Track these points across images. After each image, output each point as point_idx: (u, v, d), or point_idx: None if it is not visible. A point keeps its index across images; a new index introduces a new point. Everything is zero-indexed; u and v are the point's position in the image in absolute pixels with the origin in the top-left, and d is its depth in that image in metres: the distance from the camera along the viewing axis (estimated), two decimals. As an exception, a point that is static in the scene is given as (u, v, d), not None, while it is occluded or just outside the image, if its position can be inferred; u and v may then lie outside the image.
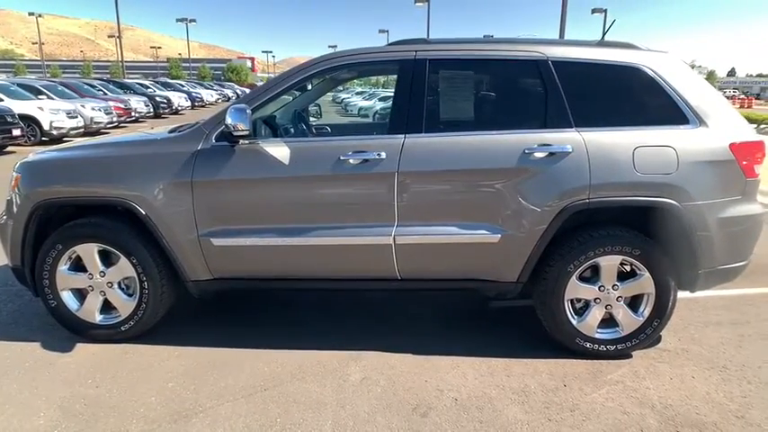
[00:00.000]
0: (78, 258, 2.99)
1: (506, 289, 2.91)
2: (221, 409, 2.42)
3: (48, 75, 58.67)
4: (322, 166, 2.77)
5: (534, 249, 2.76)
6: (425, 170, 2.74)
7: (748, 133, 2.82)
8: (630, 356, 2.93)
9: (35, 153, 3.21)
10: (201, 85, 38.47)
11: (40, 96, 13.92)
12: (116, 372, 2.75)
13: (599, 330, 2.91)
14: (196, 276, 2.95)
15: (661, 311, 2.84)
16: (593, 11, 31.67)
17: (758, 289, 3.80)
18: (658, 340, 3.07)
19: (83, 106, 14.54)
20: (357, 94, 38.23)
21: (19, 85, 14.07)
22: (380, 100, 24.85)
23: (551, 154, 2.70)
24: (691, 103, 2.77)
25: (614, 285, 2.84)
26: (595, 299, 2.86)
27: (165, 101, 23.26)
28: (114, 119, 16.25)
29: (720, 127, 2.77)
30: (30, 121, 12.31)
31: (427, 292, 3.60)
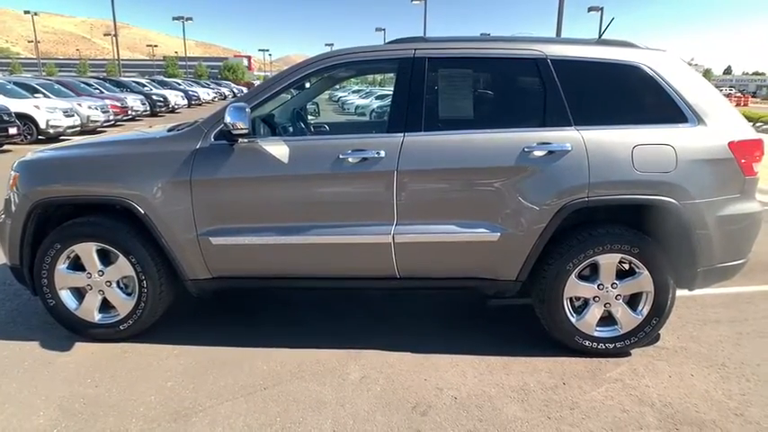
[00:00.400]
0: (77, 257, 2.98)
1: (505, 287, 2.92)
2: (221, 409, 2.42)
3: (43, 73, 58.40)
4: (321, 165, 2.76)
5: (533, 248, 2.77)
6: (424, 169, 2.74)
7: (747, 131, 2.83)
8: (629, 354, 2.94)
9: (33, 152, 3.20)
10: (198, 83, 38.38)
11: (36, 95, 13.87)
12: (115, 371, 2.74)
13: (598, 328, 2.91)
14: (195, 275, 2.94)
15: (660, 310, 2.85)
16: (590, 9, 31.67)
17: (756, 287, 3.82)
18: (657, 338, 3.08)
19: (79, 105, 14.48)
20: (354, 92, 38.14)
21: (15, 83, 14.01)
22: (377, 98, 24.82)
23: (550, 152, 2.70)
24: (689, 102, 2.78)
25: (613, 284, 2.85)
26: (594, 297, 2.87)
27: (162, 99, 23.23)
28: (111, 117, 16.20)
29: (719, 125, 2.78)
30: (26, 119, 12.26)
31: (426, 290, 3.60)
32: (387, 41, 3.09)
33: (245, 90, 57.88)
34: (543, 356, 2.91)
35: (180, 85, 30.62)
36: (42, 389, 2.57)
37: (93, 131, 14.88)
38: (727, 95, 43.51)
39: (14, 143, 11.43)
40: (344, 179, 2.78)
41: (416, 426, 2.32)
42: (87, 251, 2.93)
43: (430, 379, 2.68)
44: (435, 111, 2.85)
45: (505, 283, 2.89)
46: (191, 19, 50.10)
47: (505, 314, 3.41)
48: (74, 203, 2.95)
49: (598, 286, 2.85)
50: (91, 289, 3.00)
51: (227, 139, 2.80)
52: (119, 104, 17.53)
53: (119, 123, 17.38)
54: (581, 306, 2.93)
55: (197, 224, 2.84)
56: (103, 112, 15.56)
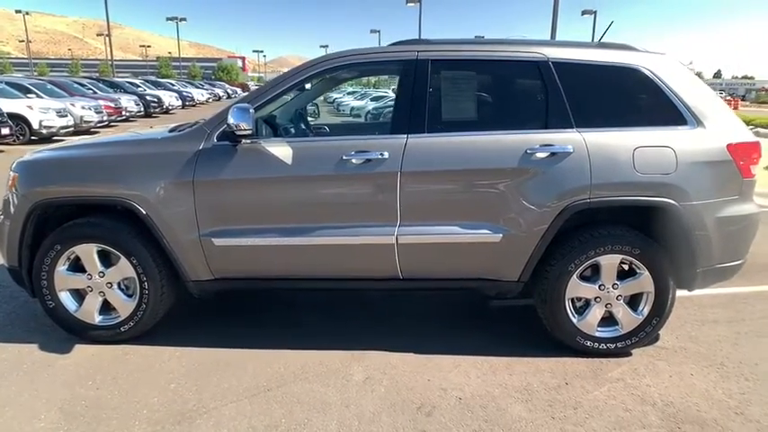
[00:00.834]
0: (77, 259, 2.96)
1: (508, 288, 2.93)
2: (225, 410, 2.41)
3: (35, 73, 57.93)
4: (325, 166, 2.76)
5: (536, 249, 2.78)
6: (428, 170, 2.75)
7: (745, 134, 2.86)
8: (630, 354, 2.96)
9: (32, 152, 3.18)
10: (192, 84, 38.21)
11: (29, 95, 13.75)
12: (116, 373, 2.73)
13: (599, 329, 2.93)
14: (197, 276, 2.93)
15: (660, 310, 2.87)
16: (584, 12, 31.94)
17: (752, 287, 3.86)
18: (656, 338, 3.11)
19: (72, 105, 14.37)
20: (349, 93, 38.11)
21: (7, 83, 13.88)
22: (372, 100, 24.84)
23: (553, 154, 2.72)
24: (689, 104, 2.81)
25: (614, 284, 2.87)
26: (596, 297, 2.89)
27: (156, 100, 23.10)
28: (105, 118, 16.09)
29: (718, 128, 2.81)
30: (18, 119, 12.15)
31: (428, 291, 3.61)
32: (390, 43, 3.10)
33: (239, 91, 57.85)
34: (545, 357, 2.92)
35: (174, 85, 30.46)
36: (43, 391, 2.55)
37: (87, 132, 14.79)
38: (718, 98, 43.75)
39: (7, 144, 11.33)
40: (348, 180, 2.78)
41: (422, 426, 2.32)
42: (88, 252, 2.91)
43: (433, 380, 2.68)
44: (438, 112, 2.86)
45: (508, 283, 2.91)
46: (184, 19, 49.94)
47: (506, 315, 3.42)
48: (74, 204, 2.93)
49: (599, 287, 2.87)
50: (91, 291, 2.98)
51: (231, 140, 2.80)
52: (112, 105, 17.42)
53: (112, 124, 17.26)
54: (582, 306, 2.95)
55: (199, 225, 2.83)
56: (97, 113, 15.45)
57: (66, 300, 3.01)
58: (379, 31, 49.70)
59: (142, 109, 21.05)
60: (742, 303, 3.64)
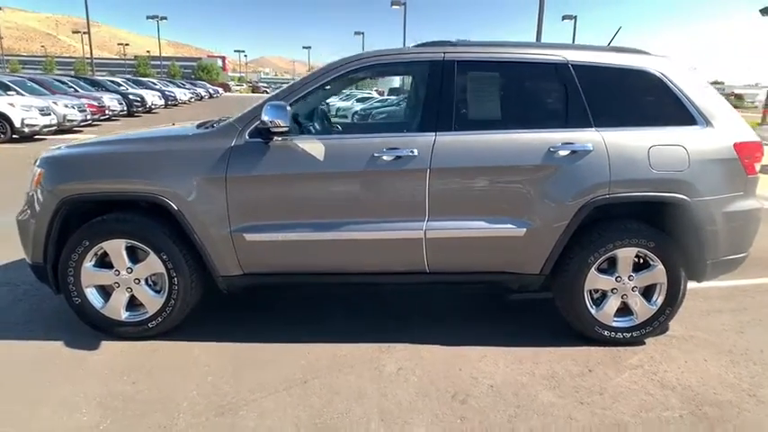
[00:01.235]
0: (104, 255, 2.97)
1: (529, 281, 3.05)
2: (265, 402, 2.46)
3: (8, 70, 56.31)
4: (356, 163, 2.84)
5: (557, 242, 2.90)
6: (456, 167, 2.84)
7: (750, 133, 3.03)
8: (644, 343, 3.10)
9: (54, 148, 3.17)
10: (173, 83, 37.67)
11: (9, 92, 13.42)
12: (150, 368, 2.75)
13: (615, 319, 3.07)
14: (227, 272, 2.97)
15: (672, 300, 3.02)
16: (564, 17, 32.60)
17: (751, 280, 4.04)
18: (666, 328, 3.26)
19: (55, 103, 14.06)
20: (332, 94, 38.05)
21: (-14, 80, 13.54)
22: (358, 101, 24.91)
23: (574, 152, 2.84)
24: (698, 105, 2.97)
25: (630, 276, 3.01)
26: (612, 289, 3.02)
27: (139, 99, 22.76)
28: (88, 117, 15.81)
29: (725, 127, 2.97)
30: (0, 117, 11.88)
31: (451, 285, 3.67)
32: (415, 44, 3.18)
33: (221, 91, 57.23)
34: (565, 346, 3.04)
35: (156, 84, 30.01)
36: (79, 387, 2.56)
37: (70, 131, 14.53)
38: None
39: (-12, 142, 11.06)
40: (379, 176, 2.86)
41: (459, 413, 2.41)
42: (116, 248, 2.93)
43: (464, 369, 2.78)
44: (464, 111, 2.96)
45: (530, 276, 3.02)
46: (165, 18, 49.22)
47: (523, 308, 3.55)
48: (104, 201, 2.94)
49: (616, 279, 3.01)
50: (118, 287, 2.99)
51: (263, 137, 2.85)
52: (96, 104, 17.10)
53: (95, 123, 16.96)
54: (599, 298, 3.08)
55: (231, 221, 2.87)
56: (80, 111, 15.16)
57: (92, 296, 3.01)
58: (363, 33, 49.77)
59: (125, 108, 20.73)
60: (742, 295, 3.84)
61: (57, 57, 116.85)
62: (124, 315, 3.02)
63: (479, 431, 2.30)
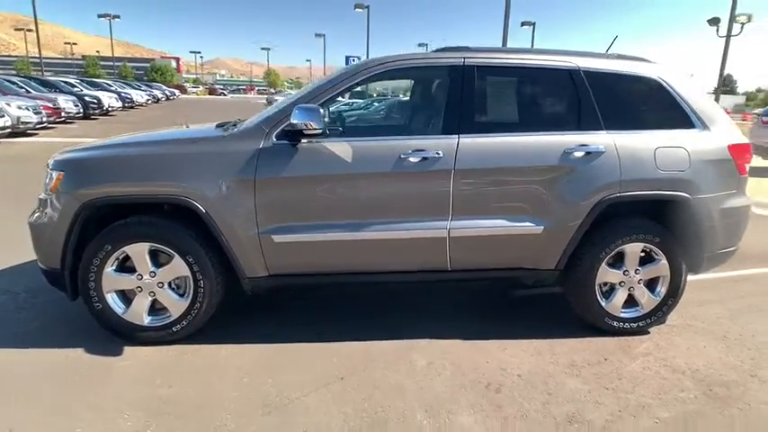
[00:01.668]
0: (125, 259, 2.92)
1: (545, 276, 3.21)
2: (308, 400, 2.50)
3: (-58, 69, 52.70)
4: (384, 164, 2.91)
5: (572, 239, 3.07)
6: (479, 168, 2.97)
7: (741, 136, 3.31)
8: (648, 333, 3.32)
9: (69, 150, 3.09)
10: (129, 84, 36.38)
11: (-44, 93, 12.65)
12: (181, 372, 2.72)
13: (623, 310, 3.27)
14: (253, 273, 2.98)
15: (675, 291, 3.26)
16: (523, 23, 33.70)
17: (733, 272, 4.34)
18: (666, 318, 3.49)
19: (8, 105, 13.35)
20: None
21: (-67, 80, 12.70)
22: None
23: (588, 153, 3.02)
24: (696, 110, 3.22)
25: (636, 270, 3.22)
26: (620, 282, 3.23)
27: (96, 101, 21.81)
28: (44, 119, 15.07)
29: (720, 130, 3.24)
30: (-50, 119, 11.20)
31: (469, 282, 3.75)
32: (434, 50, 3.29)
33: (177, 93, 55.64)
34: (575, 338, 3.21)
35: (111, 86, 28.90)
36: (114, 393, 2.51)
37: (24, 134, 13.84)
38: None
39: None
40: (406, 177, 2.94)
41: (497, 402, 2.53)
42: (140, 252, 2.88)
43: (491, 361, 2.90)
44: (484, 114, 3.10)
45: (545, 272, 3.18)
46: (118, 17, 47.41)
47: (530, 302, 3.71)
48: (130, 204, 2.88)
49: (624, 272, 3.21)
50: (141, 291, 2.94)
51: (290, 139, 2.88)
52: (51, 105, 16.34)
53: (50, 126, 16.19)
54: (608, 291, 3.28)
55: (259, 222, 2.88)
56: (36, 113, 14.43)
57: (113, 301, 2.95)
58: (324, 35, 49.72)
59: (81, 110, 19.83)
60: (726, 286, 4.14)
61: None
62: (147, 320, 2.97)
63: (518, 418, 2.42)
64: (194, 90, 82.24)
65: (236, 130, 3.04)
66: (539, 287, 3.42)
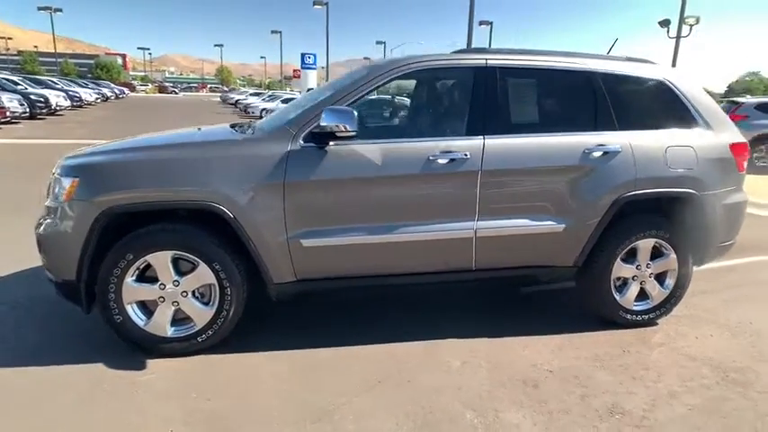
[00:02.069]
0: (145, 268, 2.79)
1: (562, 273, 3.30)
2: (355, 405, 2.47)
3: None
4: (412, 166, 2.91)
5: (591, 236, 3.18)
6: (504, 168, 3.02)
7: (740, 136, 3.53)
8: (657, 324, 3.48)
9: (80, 154, 2.92)
10: (75, 82, 34.54)
11: None
12: (214, 383, 2.63)
13: (635, 303, 3.41)
14: (281, 279, 2.91)
15: (681, 284, 3.43)
16: (481, 23, 34.41)
17: (720, 263, 4.58)
18: (671, 309, 3.67)
19: (-54, 104, 12.42)
20: (253, 95, 36.97)
21: None
22: (283, 102, 24.40)
23: (606, 153, 3.14)
24: (700, 111, 3.40)
25: (647, 264, 3.37)
26: (633, 276, 3.37)
27: (43, 100, 20.55)
28: (-12, 119, 14.10)
29: (722, 130, 3.44)
30: None
31: (492, 281, 3.77)
32: (454, 51, 3.32)
33: (126, 91, 53.26)
34: (590, 332, 3.33)
35: (57, 84, 27.34)
36: (148, 409, 2.39)
37: (-32, 135, 12.91)
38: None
39: None
40: (434, 179, 2.95)
41: (537, 396, 2.59)
42: (163, 260, 2.76)
43: (519, 358, 2.96)
44: (507, 115, 3.14)
45: (563, 269, 3.27)
46: (60, 11, 44.85)
47: (541, 298, 3.81)
48: (159, 210, 2.74)
49: (636, 267, 3.35)
50: (163, 301, 2.82)
51: (317, 142, 2.83)
52: (-5, 105, 15.31)
53: (-5, 126, 15.16)
54: (621, 285, 3.41)
55: (288, 227, 2.82)
56: (-20, 113, 13.49)
57: (134, 313, 2.81)
58: (280, 32, 48.89)
59: (27, 109, 18.64)
60: (718, 277, 4.37)
61: None
62: (170, 331, 2.85)
63: (563, 412, 2.48)
64: (143, 88, 79.02)
65: (258, 132, 2.96)
66: (550, 283, 3.53)
